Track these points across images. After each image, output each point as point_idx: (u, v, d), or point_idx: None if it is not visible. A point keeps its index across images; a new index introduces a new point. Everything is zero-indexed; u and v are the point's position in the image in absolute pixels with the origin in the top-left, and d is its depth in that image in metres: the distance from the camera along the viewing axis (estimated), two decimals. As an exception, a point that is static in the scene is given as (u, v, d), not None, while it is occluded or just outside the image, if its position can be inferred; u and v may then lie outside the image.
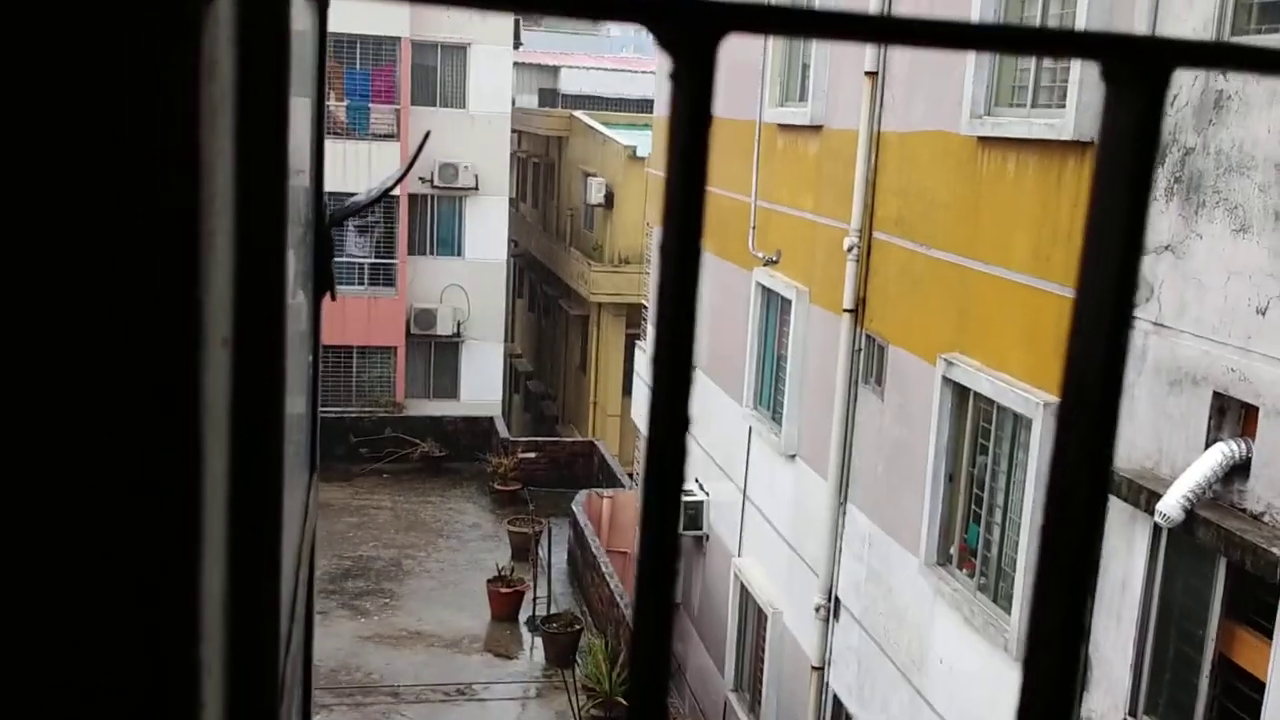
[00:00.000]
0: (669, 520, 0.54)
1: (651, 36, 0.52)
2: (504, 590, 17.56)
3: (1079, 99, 7.35)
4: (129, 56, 0.44)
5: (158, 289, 0.46)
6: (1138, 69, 0.52)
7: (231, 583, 0.68)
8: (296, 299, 1.42)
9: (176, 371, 0.47)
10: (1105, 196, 0.54)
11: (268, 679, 0.79)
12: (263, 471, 0.71)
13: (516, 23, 27.03)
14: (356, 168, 24.37)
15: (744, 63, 13.42)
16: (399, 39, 25.15)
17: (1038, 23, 8.11)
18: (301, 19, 1.23)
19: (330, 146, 25.77)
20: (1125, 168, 0.53)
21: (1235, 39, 6.26)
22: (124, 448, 0.48)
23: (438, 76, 26.10)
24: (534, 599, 17.39)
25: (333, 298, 1.65)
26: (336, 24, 24.02)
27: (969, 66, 8.62)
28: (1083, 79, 7.35)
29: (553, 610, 17.14)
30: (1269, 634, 5.90)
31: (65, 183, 0.46)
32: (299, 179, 1.38)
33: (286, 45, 0.73)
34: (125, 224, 0.46)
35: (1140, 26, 6.79)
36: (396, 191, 24.93)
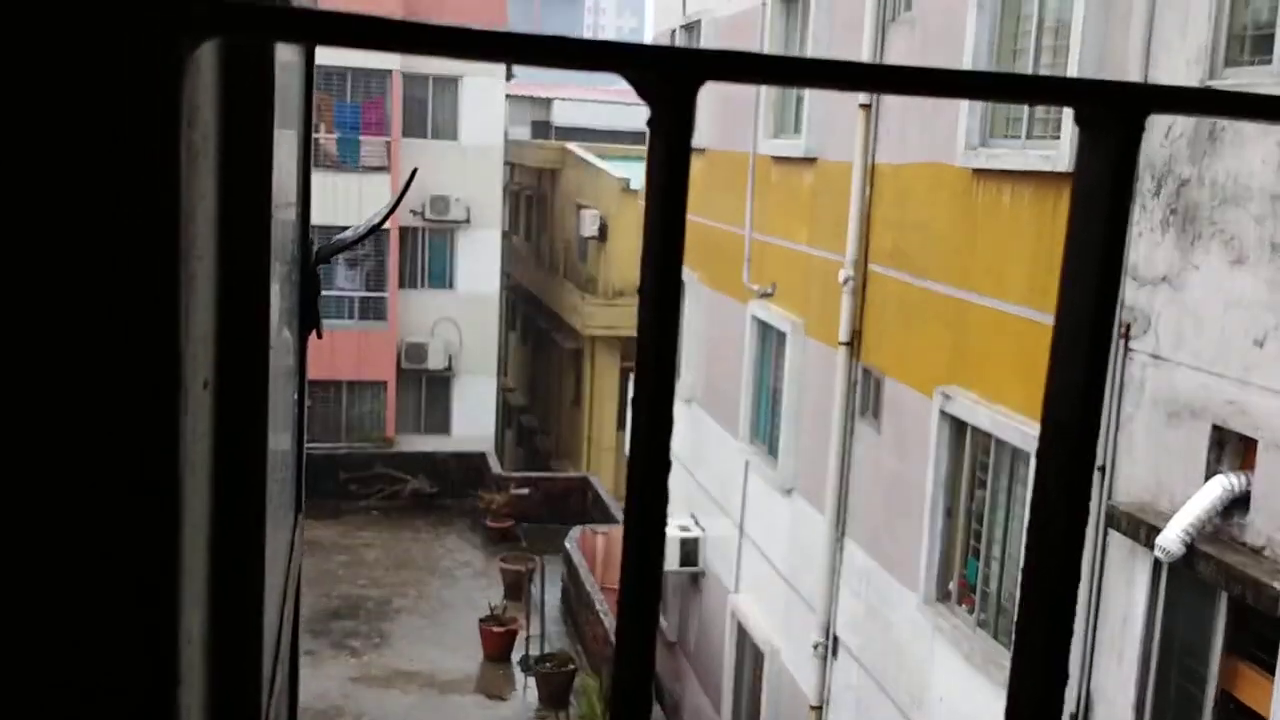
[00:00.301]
0: (651, 560, 0.54)
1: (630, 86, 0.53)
2: (496, 629, 17.43)
3: (1074, 130, 7.39)
4: (111, 103, 0.44)
5: (136, 333, 0.46)
6: (1112, 114, 0.53)
7: (213, 624, 0.67)
8: (282, 336, 1.42)
9: (155, 415, 0.47)
10: (1081, 239, 0.55)
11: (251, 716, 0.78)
12: (246, 514, 0.71)
13: (511, 59, 27.17)
14: (347, 200, 24.42)
15: (738, 95, 13.50)
16: (390, 71, 25.28)
17: (1031, 54, 8.18)
18: (287, 52, 1.24)
19: (320, 179, 25.84)
20: (1100, 211, 0.54)
21: (1229, 69, 6.31)
22: (102, 489, 0.47)
23: (429, 109, 26.23)
24: (527, 638, 17.25)
25: (318, 335, 1.64)
26: (327, 57, 24.16)
27: (963, 100, 8.68)
28: (1073, 113, 7.40)
29: (546, 650, 17.00)
30: (1271, 670, 5.87)
31: (46, 225, 0.46)
32: (286, 215, 1.38)
33: (270, 93, 0.73)
34: (104, 268, 0.46)
35: (1134, 58, 6.84)
36: (387, 225, 24.99)
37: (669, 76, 0.51)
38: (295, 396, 1.61)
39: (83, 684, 0.50)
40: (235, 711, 0.76)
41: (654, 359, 0.53)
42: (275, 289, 1.29)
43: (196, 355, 0.56)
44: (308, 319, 1.56)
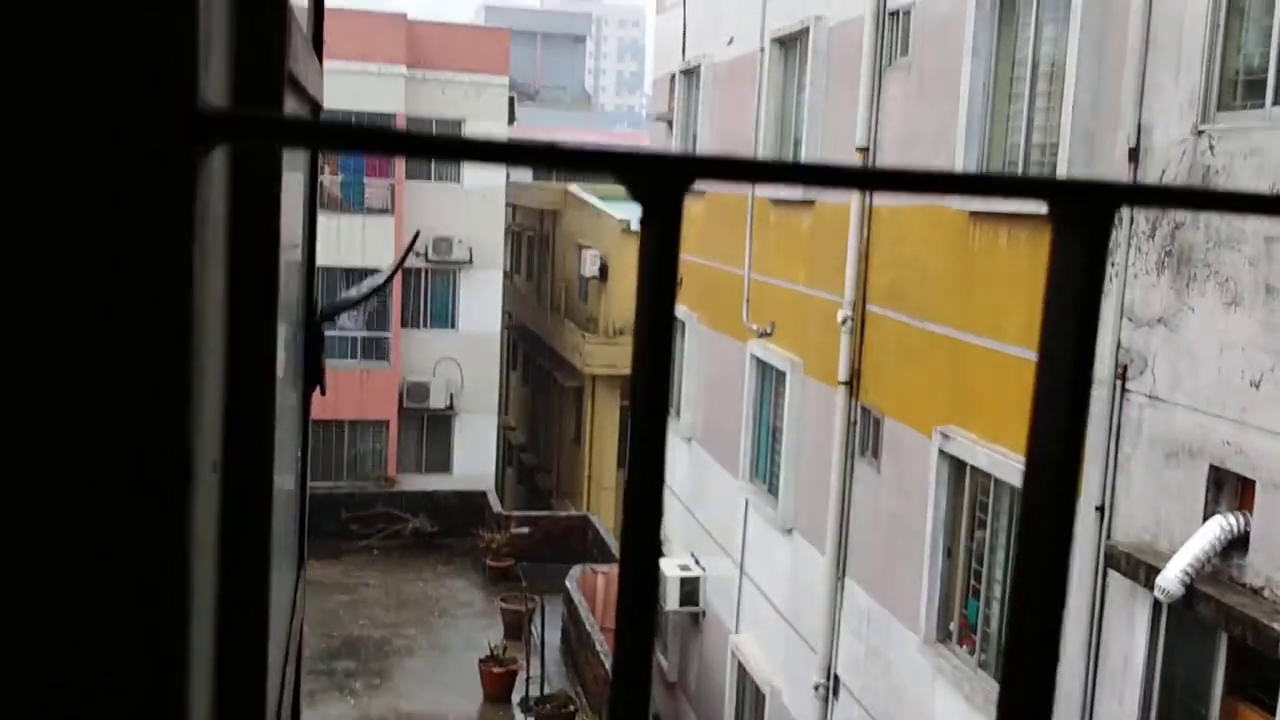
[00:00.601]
0: (646, 605, 0.56)
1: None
2: (496, 670, 17.32)
3: (1069, 171, 7.45)
4: (125, 211, 0.47)
5: (147, 429, 0.48)
6: (1082, 210, 0.55)
7: (217, 702, 0.69)
8: (286, 397, 1.44)
9: (164, 508, 0.49)
10: (1054, 329, 0.57)
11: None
12: (250, 592, 0.73)
13: (511, 99, 27.42)
14: (351, 242, 24.54)
15: (736, 136, 13.62)
16: (394, 115, 25.48)
17: (1026, 98, 8.26)
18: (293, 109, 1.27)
19: (325, 220, 25.90)
20: (1073, 301, 0.56)
21: (1221, 113, 6.36)
22: (110, 574, 0.49)
23: (433, 152, 26.38)
24: (527, 678, 17.15)
25: (322, 392, 1.66)
26: (332, 100, 24.34)
27: (960, 139, 8.75)
28: (1071, 154, 7.47)
29: (546, 690, 16.89)
30: (1272, 710, 5.84)
31: (64, 320, 0.48)
32: (290, 278, 1.41)
33: (278, 178, 0.76)
34: (115, 370, 0.48)
35: (1127, 102, 6.91)
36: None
37: (659, 178, 0.53)
38: (299, 453, 1.63)
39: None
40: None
41: (645, 445, 0.55)
42: (280, 353, 1.31)
43: (204, 443, 0.58)
44: (311, 376, 1.58)
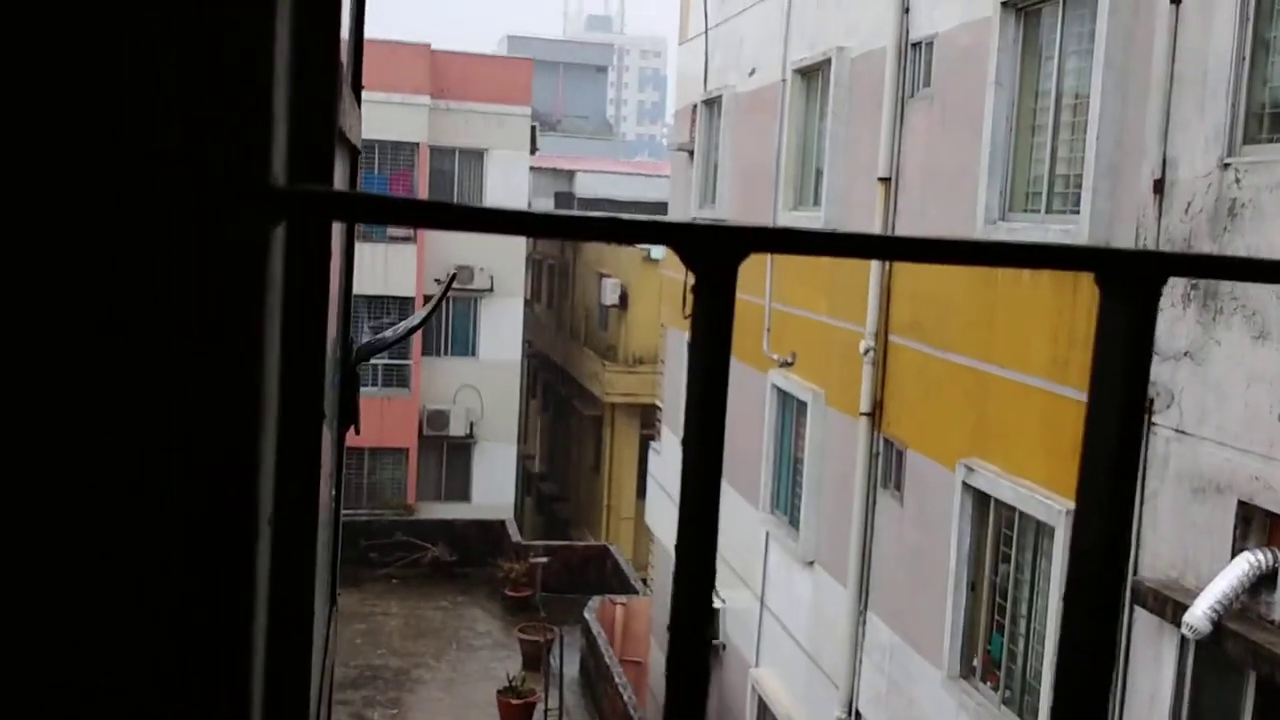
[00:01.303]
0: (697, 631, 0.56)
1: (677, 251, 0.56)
2: (514, 701, 17.25)
3: (1093, 205, 7.44)
4: (202, 284, 0.48)
5: (219, 483, 0.50)
6: (1129, 279, 0.56)
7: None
8: (326, 436, 1.46)
9: (231, 559, 0.50)
10: (1101, 394, 0.57)
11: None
12: (295, 644, 0.74)
13: (533, 128, 27.60)
14: (373, 270, 24.67)
15: (757, 166, 13.65)
16: (417, 144, 25.67)
17: (1050, 130, 8.25)
18: (337, 176, 1.29)
19: (350, 251, 25.72)
20: (1119, 367, 0.57)
21: (1247, 147, 6.35)
22: (178, 634, 0.50)
23: (455, 180, 26.58)
24: (545, 710, 17.07)
25: (356, 431, 1.68)
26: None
27: (983, 171, 8.75)
28: (1095, 186, 7.45)
29: (566, 720, 16.81)
30: (1301, 751, 5.76)
31: (144, 395, 0.50)
32: (331, 324, 1.43)
33: (328, 259, 0.77)
34: (193, 433, 0.49)
35: (1151, 135, 6.89)
36: (413, 293, 25.19)
37: (715, 249, 0.54)
38: (334, 492, 1.64)
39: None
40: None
41: (697, 505, 0.56)
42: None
43: (265, 495, 0.59)
44: (346, 416, 1.60)
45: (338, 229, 1.32)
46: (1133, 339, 0.57)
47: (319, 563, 1.31)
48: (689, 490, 0.55)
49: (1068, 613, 0.60)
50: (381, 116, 24.96)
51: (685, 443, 0.55)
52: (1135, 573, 6.88)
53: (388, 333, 2.17)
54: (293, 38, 0.67)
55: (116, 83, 0.47)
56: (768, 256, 13.10)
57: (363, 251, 24.75)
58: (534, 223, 0.50)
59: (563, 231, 0.51)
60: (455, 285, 26.19)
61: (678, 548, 0.55)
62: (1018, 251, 0.58)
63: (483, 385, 26.67)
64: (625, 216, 0.52)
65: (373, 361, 25.91)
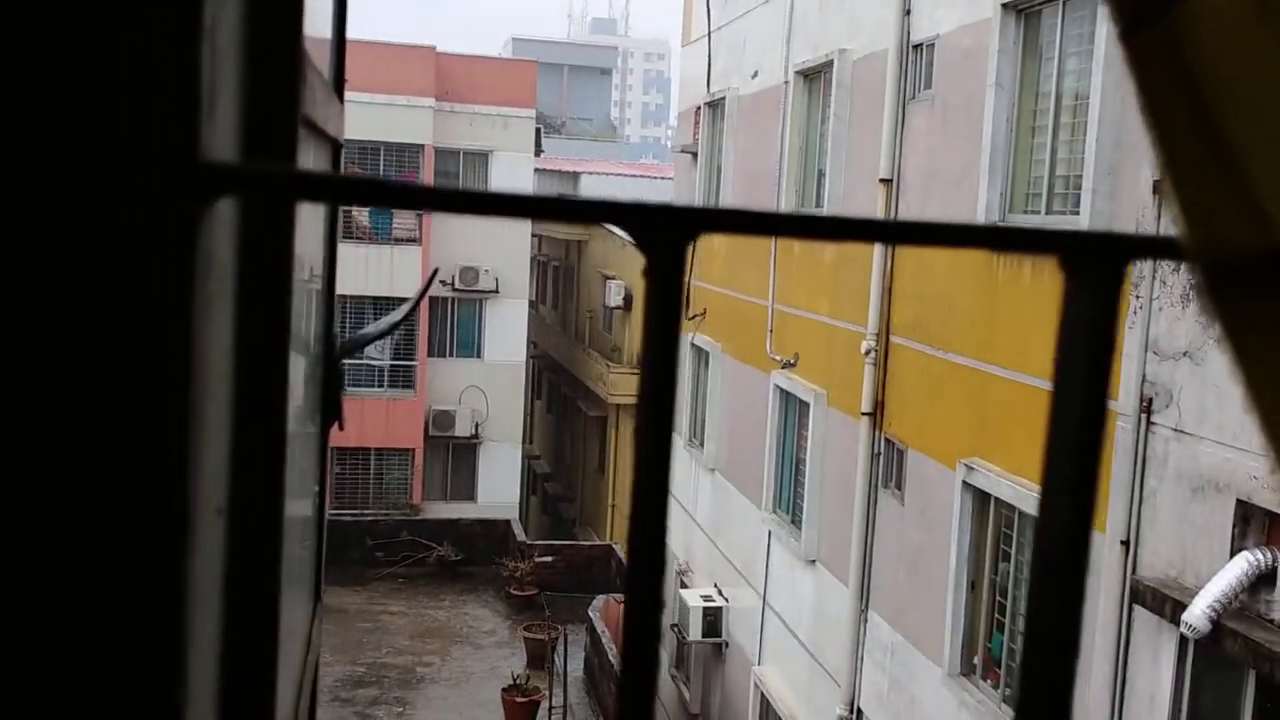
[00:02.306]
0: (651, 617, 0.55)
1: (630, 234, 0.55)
2: (519, 700, 17.26)
3: (1093, 205, 7.42)
4: (125, 266, 0.47)
5: (144, 469, 0.48)
6: (1094, 262, 0.54)
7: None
8: (305, 430, 1.45)
9: (162, 558, 0.49)
10: (1065, 380, 0.56)
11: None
12: (257, 639, 0.72)
13: (538, 130, 27.60)
14: (379, 272, 24.70)
15: (761, 169, 13.65)
16: (422, 146, 25.69)
17: (1050, 131, 8.24)
18: (316, 167, 1.28)
19: (353, 251, 25.97)
20: (1084, 352, 0.55)
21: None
22: (106, 621, 0.49)
23: (460, 182, 26.55)
24: (550, 709, 17.08)
25: (340, 427, 1.67)
26: (361, 131, 24.62)
27: (983, 172, 8.74)
28: (1095, 186, 7.44)
29: None
30: (1303, 750, 5.74)
31: (60, 366, 0.48)
32: (310, 313, 1.42)
33: (289, 242, 0.76)
34: (113, 421, 0.48)
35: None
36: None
37: (665, 230, 0.53)
38: (316, 489, 1.63)
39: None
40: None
41: (649, 490, 0.55)
42: (299, 389, 1.32)
43: (209, 485, 0.58)
44: (329, 412, 1.59)
45: (311, 218, 1.31)
46: (1096, 321, 0.56)
47: (298, 559, 1.30)
48: (641, 476, 0.54)
49: (1034, 599, 0.59)
50: (386, 119, 24.98)
51: (638, 424, 0.53)
52: (1134, 571, 6.86)
53: (370, 329, 2.16)
54: (247, 21, 0.66)
55: (33, 55, 0.46)
56: (770, 258, 13.10)
57: (368, 253, 24.82)
58: (474, 202, 0.49)
59: (508, 210, 0.50)
60: (461, 287, 26.21)
61: (629, 539, 0.54)
62: (978, 234, 0.57)
63: (488, 386, 26.68)
64: (573, 196, 0.51)
65: (378, 363, 25.93)
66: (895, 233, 0.56)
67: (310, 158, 1.13)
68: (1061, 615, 0.58)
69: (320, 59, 1.28)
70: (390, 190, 0.47)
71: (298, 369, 1.24)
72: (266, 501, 0.74)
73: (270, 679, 0.77)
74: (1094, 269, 0.55)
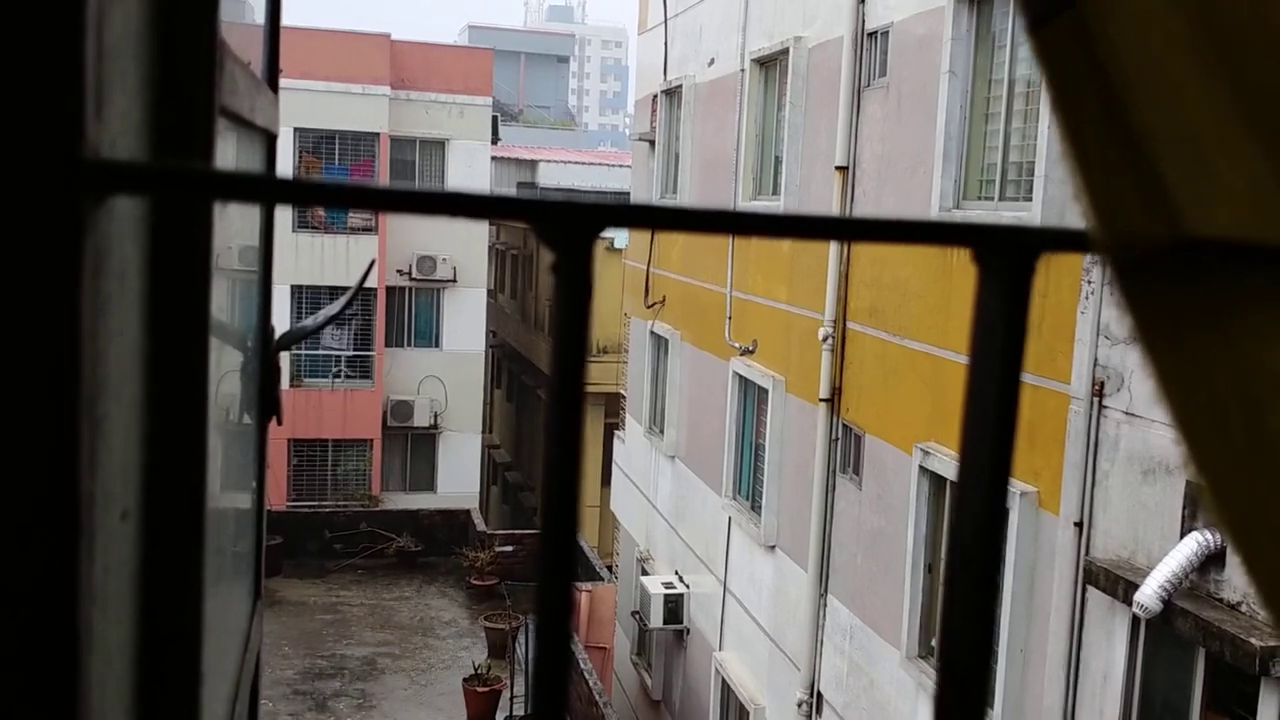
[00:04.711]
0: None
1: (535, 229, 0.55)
2: (480, 689, 17.24)
3: (1045, 192, 7.49)
4: (7, 266, 0.45)
5: (31, 483, 0.47)
6: (1005, 256, 0.54)
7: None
8: (239, 427, 1.42)
9: (53, 564, 0.48)
10: (980, 369, 0.56)
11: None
12: (179, 640, 0.71)
13: (495, 119, 27.46)
14: (335, 261, 24.51)
15: (718, 157, 13.66)
16: (378, 134, 25.49)
17: (1003, 118, 8.30)
18: (247, 161, 1.26)
19: (309, 240, 25.72)
20: (997, 343, 0.55)
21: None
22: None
23: (416, 171, 26.41)
24: (511, 698, 17.08)
25: (279, 423, 1.65)
26: (316, 120, 24.42)
27: (938, 159, 8.79)
28: (1048, 173, 7.50)
29: (530, 710, 16.82)
30: (1251, 726, 5.85)
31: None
32: (244, 306, 1.40)
33: (203, 240, 0.74)
34: None
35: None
36: (375, 284, 25.05)
37: (568, 225, 0.52)
38: (255, 484, 1.61)
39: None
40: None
41: (558, 484, 0.54)
42: (233, 375, 1.29)
43: (112, 489, 0.57)
44: (267, 407, 1.57)
45: (245, 209, 1.28)
46: (1009, 314, 0.55)
47: (231, 555, 1.28)
48: (551, 474, 0.53)
49: (949, 584, 0.59)
50: (341, 107, 24.76)
51: (546, 427, 0.53)
52: (1087, 552, 6.96)
53: (308, 321, 2.14)
54: (151, 12, 0.64)
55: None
56: (729, 244, 13.12)
57: (324, 243, 24.61)
58: (377, 198, 0.48)
59: (412, 207, 0.49)
60: (418, 276, 26.06)
61: (541, 534, 0.53)
62: (894, 228, 0.56)
63: (446, 376, 26.57)
64: (477, 191, 0.50)
65: (335, 353, 25.75)
66: (807, 227, 0.55)
67: (235, 150, 1.11)
68: (977, 601, 0.58)
69: (250, 48, 1.25)
70: (284, 186, 0.45)
71: (229, 362, 1.22)
72: (185, 501, 0.72)
73: (192, 686, 0.75)
74: (1005, 262, 0.55)
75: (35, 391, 0.47)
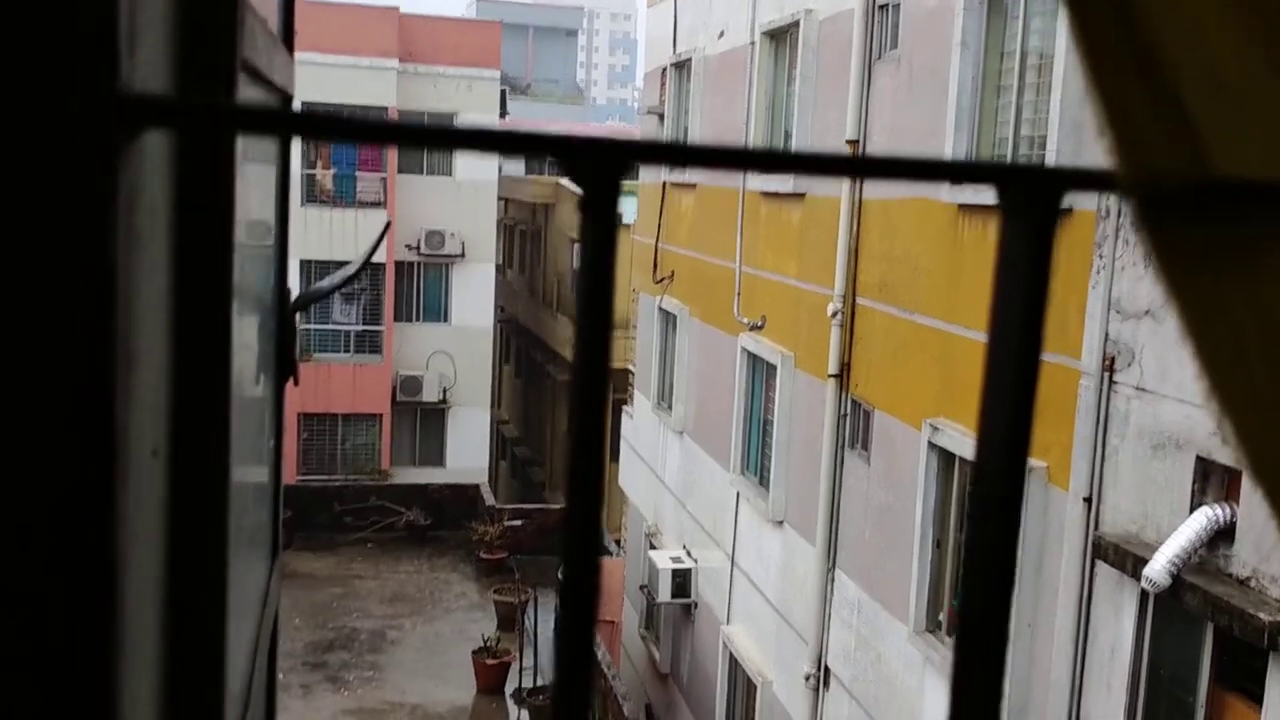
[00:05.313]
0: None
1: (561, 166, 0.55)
2: (490, 661, 17.35)
3: (1057, 164, 7.45)
4: (39, 193, 0.46)
5: (66, 417, 0.48)
6: (1031, 195, 0.55)
7: (168, 685, 0.68)
8: (259, 385, 1.43)
9: (90, 485, 0.49)
10: (1003, 313, 0.57)
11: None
12: (205, 580, 0.72)
13: (503, 92, 27.38)
14: (343, 235, 24.51)
15: (728, 132, 13.60)
16: (386, 109, 25.43)
17: (1015, 90, 8.25)
18: (259, 96, 1.26)
19: (318, 214, 25.69)
20: (1021, 285, 0.56)
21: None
22: (36, 556, 0.49)
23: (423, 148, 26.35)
24: (520, 670, 17.18)
25: (295, 383, 1.66)
26: (324, 94, 24.34)
27: (949, 132, 8.75)
28: (1059, 145, 7.47)
29: (540, 681, 16.93)
30: (1259, 701, 5.86)
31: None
32: (259, 265, 1.40)
33: (229, 182, 0.75)
34: (31, 354, 0.47)
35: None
36: (383, 260, 25.05)
37: (597, 162, 0.53)
38: (272, 443, 1.62)
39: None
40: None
41: (582, 425, 0.55)
42: (250, 334, 1.30)
43: (143, 426, 0.58)
44: (284, 366, 1.58)
45: (262, 173, 1.29)
46: (1033, 254, 0.56)
47: (252, 512, 1.29)
48: (576, 417, 0.54)
49: (971, 532, 0.60)
50: (349, 81, 24.69)
51: (573, 362, 0.53)
52: (1096, 528, 6.96)
53: (324, 282, 2.15)
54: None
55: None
56: (738, 220, 13.10)
57: (332, 217, 24.61)
58: (406, 135, 0.49)
59: (436, 142, 0.50)
60: (427, 251, 26.05)
61: (567, 481, 0.54)
62: (918, 167, 0.57)
63: (455, 351, 26.60)
64: (499, 129, 0.51)
65: (345, 328, 25.79)
66: (832, 166, 0.56)
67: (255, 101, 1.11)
68: (1000, 544, 0.59)
69: (268, 10, 1.26)
70: (310, 121, 0.46)
71: (249, 321, 1.23)
72: (210, 442, 0.73)
73: (219, 620, 0.77)
74: (1030, 201, 0.55)
75: (74, 319, 0.47)
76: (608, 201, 0.52)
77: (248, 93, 0.94)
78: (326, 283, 2.18)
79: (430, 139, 0.50)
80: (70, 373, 0.48)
